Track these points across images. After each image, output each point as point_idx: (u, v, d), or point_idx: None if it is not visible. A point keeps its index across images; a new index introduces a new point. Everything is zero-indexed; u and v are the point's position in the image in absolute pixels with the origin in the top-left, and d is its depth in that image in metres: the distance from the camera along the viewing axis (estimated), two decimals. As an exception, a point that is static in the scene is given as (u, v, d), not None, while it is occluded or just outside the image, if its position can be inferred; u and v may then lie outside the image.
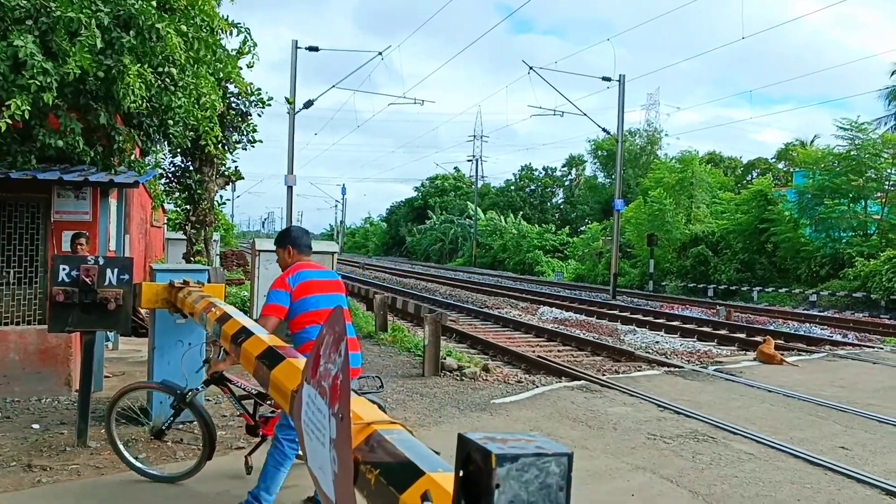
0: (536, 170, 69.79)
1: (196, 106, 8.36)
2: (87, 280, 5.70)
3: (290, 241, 4.92)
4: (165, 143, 9.99)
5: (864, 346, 14.56)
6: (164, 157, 14.14)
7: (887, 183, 27.44)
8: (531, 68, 25.86)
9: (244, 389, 5.16)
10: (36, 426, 6.56)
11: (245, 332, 3.37)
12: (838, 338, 15.97)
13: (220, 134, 11.34)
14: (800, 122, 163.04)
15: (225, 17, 9.31)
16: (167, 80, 7.89)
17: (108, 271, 5.88)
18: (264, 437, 5.16)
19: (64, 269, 5.73)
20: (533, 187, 69.42)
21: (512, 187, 70.47)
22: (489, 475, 1.15)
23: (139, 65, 7.25)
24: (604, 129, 29.04)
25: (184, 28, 7.76)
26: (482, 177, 73.00)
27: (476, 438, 1.21)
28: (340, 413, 1.74)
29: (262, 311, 4.59)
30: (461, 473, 1.24)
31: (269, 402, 5.13)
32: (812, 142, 44.06)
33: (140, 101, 7.39)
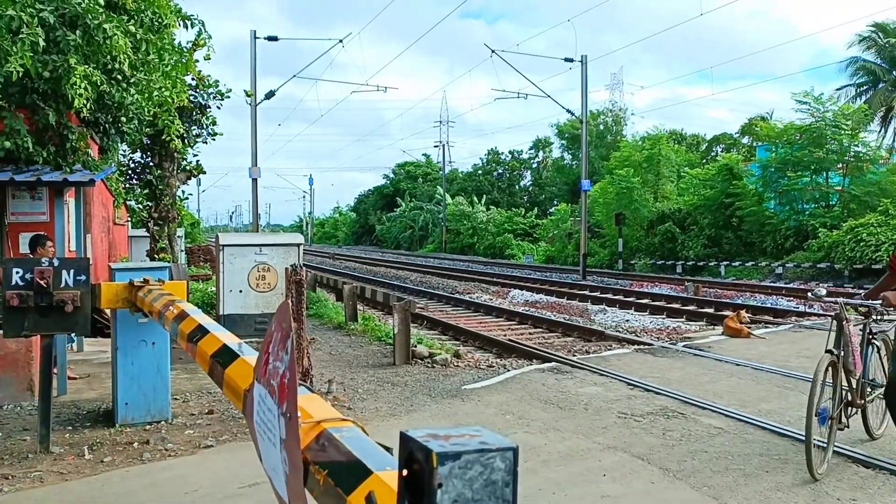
0: (503, 153, 69.89)
1: (150, 102, 8.19)
2: (41, 282, 5.56)
3: None
4: (121, 141, 9.79)
5: (829, 316, 14.72)
6: (122, 153, 13.89)
7: (847, 154, 27.85)
8: (493, 51, 25.81)
9: None
10: (-3, 434, 6.41)
11: (201, 331, 3.29)
12: (804, 309, 16.20)
13: (182, 127, 11.17)
14: (742, 99, 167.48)
15: (178, 8, 9.11)
16: (119, 76, 7.71)
17: (64, 272, 5.74)
18: None
19: (17, 273, 5.58)
20: (500, 171, 69.50)
21: (480, 171, 70.48)
22: (431, 475, 1.11)
23: (85, 65, 7.06)
24: (568, 111, 29.11)
25: (132, 29, 7.56)
26: (450, 162, 72.97)
27: (418, 436, 1.17)
28: (288, 412, 1.69)
29: None
30: (405, 473, 1.20)
31: None
32: (768, 116, 44.64)
33: (86, 102, 7.18)
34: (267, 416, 1.88)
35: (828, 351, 5.39)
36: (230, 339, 2.94)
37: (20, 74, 6.53)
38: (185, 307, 4.09)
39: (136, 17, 7.98)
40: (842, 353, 5.46)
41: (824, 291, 6.15)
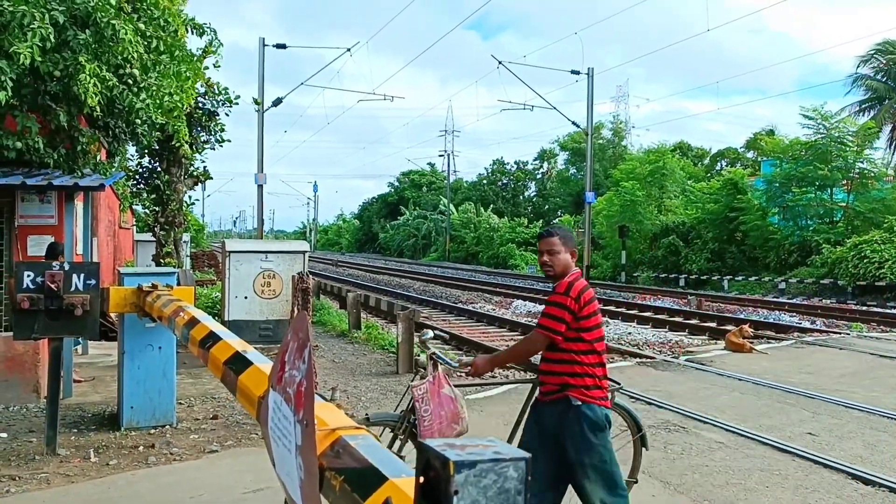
0: (508, 164, 70.02)
1: (160, 109, 8.26)
2: (52, 286, 5.63)
3: None
4: (131, 144, 9.84)
5: (832, 332, 14.81)
6: (131, 157, 13.96)
7: (852, 171, 27.90)
8: (500, 62, 25.93)
9: None
10: (3, 435, 6.47)
11: (213, 337, 3.35)
12: (806, 324, 16.22)
13: (188, 133, 11.25)
14: (737, 113, 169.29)
15: (191, 18, 9.19)
16: (129, 80, 7.78)
17: (75, 277, 5.81)
18: None
19: (28, 276, 5.65)
20: (505, 181, 69.58)
21: (484, 181, 70.57)
22: (448, 482, 1.16)
23: (96, 63, 7.13)
24: (574, 123, 29.19)
25: (142, 27, 7.64)
26: (454, 171, 73.08)
27: (435, 445, 1.23)
28: (305, 420, 1.75)
29: None
30: (421, 480, 1.25)
31: None
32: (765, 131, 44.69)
33: (94, 98, 7.21)
34: (282, 423, 1.93)
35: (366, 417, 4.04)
36: (242, 346, 3.00)
37: (31, 61, 6.55)
38: (195, 313, 4.15)
39: (149, 18, 8.04)
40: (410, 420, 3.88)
41: (431, 334, 4.65)
